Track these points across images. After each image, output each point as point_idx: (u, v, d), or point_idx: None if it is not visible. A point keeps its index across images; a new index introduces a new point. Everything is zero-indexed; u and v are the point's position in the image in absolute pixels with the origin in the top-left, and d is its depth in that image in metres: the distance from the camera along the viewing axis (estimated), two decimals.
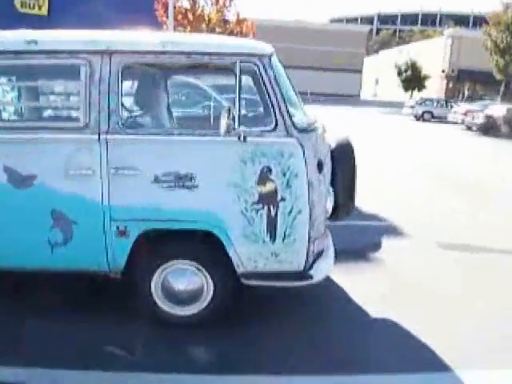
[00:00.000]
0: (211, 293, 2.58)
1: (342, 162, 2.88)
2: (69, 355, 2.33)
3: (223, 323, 2.62)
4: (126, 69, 2.38)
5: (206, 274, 2.55)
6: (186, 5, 23.41)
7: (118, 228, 2.42)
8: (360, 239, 4.36)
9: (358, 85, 49.15)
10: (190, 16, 23.12)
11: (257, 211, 2.39)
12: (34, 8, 27.19)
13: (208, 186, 2.38)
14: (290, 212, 2.40)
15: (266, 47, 2.53)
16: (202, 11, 23.65)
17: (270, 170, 2.35)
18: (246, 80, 2.57)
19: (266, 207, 2.39)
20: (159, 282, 2.57)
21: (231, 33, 24.73)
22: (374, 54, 64.73)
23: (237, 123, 2.30)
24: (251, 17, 27.20)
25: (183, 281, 2.57)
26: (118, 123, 2.35)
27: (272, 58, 2.47)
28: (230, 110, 2.22)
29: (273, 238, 2.43)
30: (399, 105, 31.69)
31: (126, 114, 2.52)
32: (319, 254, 2.64)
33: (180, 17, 23.35)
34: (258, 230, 2.42)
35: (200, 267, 2.54)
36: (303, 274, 2.50)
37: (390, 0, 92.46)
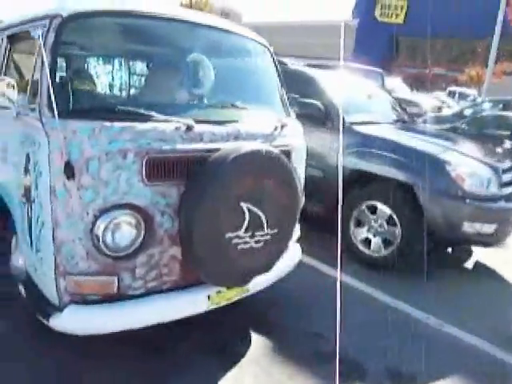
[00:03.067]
0: None
1: (207, 184, 1.84)
2: None
3: None
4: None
5: None
6: None
7: None
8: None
9: None
10: None
11: (24, 204, 1.95)
12: (391, 17, 29.13)
13: (7, 159, 2.15)
14: (37, 220, 1.81)
15: (77, 9, 1.88)
16: None
17: (28, 159, 1.85)
18: None
19: (26, 203, 1.91)
20: None
21: None
22: None
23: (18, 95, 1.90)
24: None
25: None
26: None
27: (76, 23, 1.85)
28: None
29: (30, 244, 1.92)
30: None
31: None
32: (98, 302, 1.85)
33: None
34: (25, 226, 1.97)
35: None
36: (48, 312, 1.83)
37: None
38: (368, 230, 3.67)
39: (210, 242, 1.85)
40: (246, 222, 1.93)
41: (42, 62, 1.79)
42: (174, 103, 2.12)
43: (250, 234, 1.97)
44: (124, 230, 1.79)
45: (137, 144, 1.77)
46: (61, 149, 1.67)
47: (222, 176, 1.83)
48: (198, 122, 1.95)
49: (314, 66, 5.43)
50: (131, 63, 2.49)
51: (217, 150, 1.93)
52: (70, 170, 1.67)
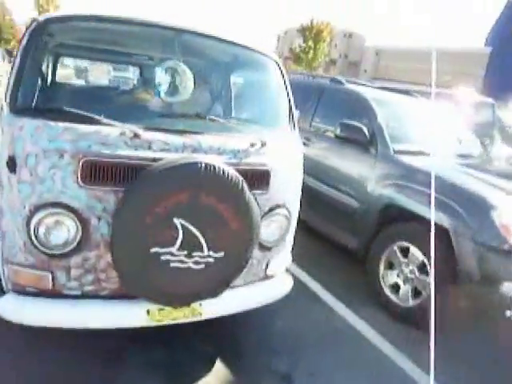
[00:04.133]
0: None
1: (137, 193, 1.77)
2: None
3: None
4: None
5: None
6: None
7: None
8: None
9: None
10: None
11: None
12: None
13: None
14: None
15: (52, 14, 2.00)
16: None
17: None
18: None
19: None
20: None
21: None
22: None
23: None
24: None
25: None
26: None
27: (48, 28, 1.94)
28: None
29: None
30: None
31: None
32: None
33: None
34: None
35: None
36: None
37: None
38: (398, 275, 3.21)
39: (131, 253, 1.77)
40: (179, 240, 1.80)
41: (13, 63, 1.92)
42: (133, 109, 2.09)
43: (185, 253, 1.83)
44: (56, 229, 1.79)
45: (75, 145, 1.75)
46: (8, 143, 1.76)
47: (152, 187, 1.73)
48: (152, 129, 1.89)
49: (389, 89, 5.04)
50: (95, 66, 2.54)
51: (161, 159, 1.84)
52: (12, 164, 1.74)
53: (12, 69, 1.90)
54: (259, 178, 2.10)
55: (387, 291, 3.24)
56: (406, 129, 3.87)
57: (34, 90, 1.86)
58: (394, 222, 3.28)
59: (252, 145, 2.10)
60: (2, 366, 2.10)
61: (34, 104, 1.87)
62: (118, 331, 2.03)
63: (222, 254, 1.90)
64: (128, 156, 1.81)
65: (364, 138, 3.58)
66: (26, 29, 1.96)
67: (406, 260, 3.13)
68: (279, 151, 2.24)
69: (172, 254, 1.82)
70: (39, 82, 1.94)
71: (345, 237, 3.70)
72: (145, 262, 1.79)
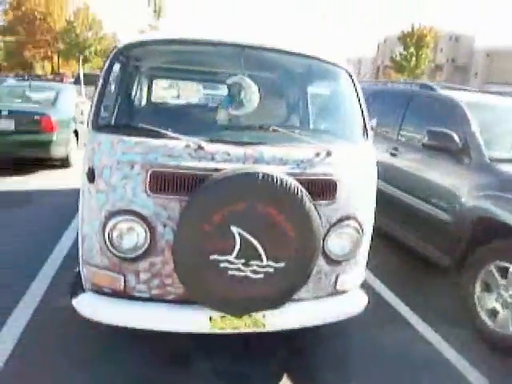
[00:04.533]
0: None
1: (198, 201, 1.85)
2: None
3: None
4: None
5: None
6: None
7: None
8: None
9: None
10: None
11: None
12: None
13: None
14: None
15: (128, 39, 2.15)
16: None
17: None
18: None
19: None
20: None
21: None
22: None
23: None
24: None
25: None
26: None
27: (127, 52, 2.15)
28: None
29: None
30: None
31: None
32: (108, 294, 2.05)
33: None
34: None
35: None
36: (76, 293, 2.13)
37: None
38: (496, 299, 2.84)
39: (192, 260, 1.83)
40: (236, 248, 1.83)
41: (96, 85, 2.16)
42: (201, 123, 2.18)
43: (243, 261, 1.85)
44: (128, 234, 1.94)
45: (145, 157, 1.89)
46: (89, 156, 1.99)
47: (211, 196, 1.79)
48: (216, 141, 1.97)
49: (491, 93, 4.57)
50: (168, 85, 2.68)
51: (223, 170, 1.90)
52: (91, 175, 1.95)
53: (95, 90, 2.15)
54: (324, 188, 2.05)
55: (483, 316, 2.89)
56: (507, 135, 3.46)
57: (113, 109, 2.07)
58: (490, 237, 2.93)
59: (317, 154, 2.06)
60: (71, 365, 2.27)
61: (112, 121, 2.09)
62: (184, 335, 2.11)
63: (282, 264, 1.88)
64: (191, 167, 1.91)
65: (455, 146, 3.28)
66: (109, 54, 2.19)
67: (504, 282, 2.76)
68: (348, 161, 2.16)
69: (229, 262, 1.85)
70: (118, 101, 2.15)
71: (434, 252, 3.40)
72: (204, 269, 1.85)
